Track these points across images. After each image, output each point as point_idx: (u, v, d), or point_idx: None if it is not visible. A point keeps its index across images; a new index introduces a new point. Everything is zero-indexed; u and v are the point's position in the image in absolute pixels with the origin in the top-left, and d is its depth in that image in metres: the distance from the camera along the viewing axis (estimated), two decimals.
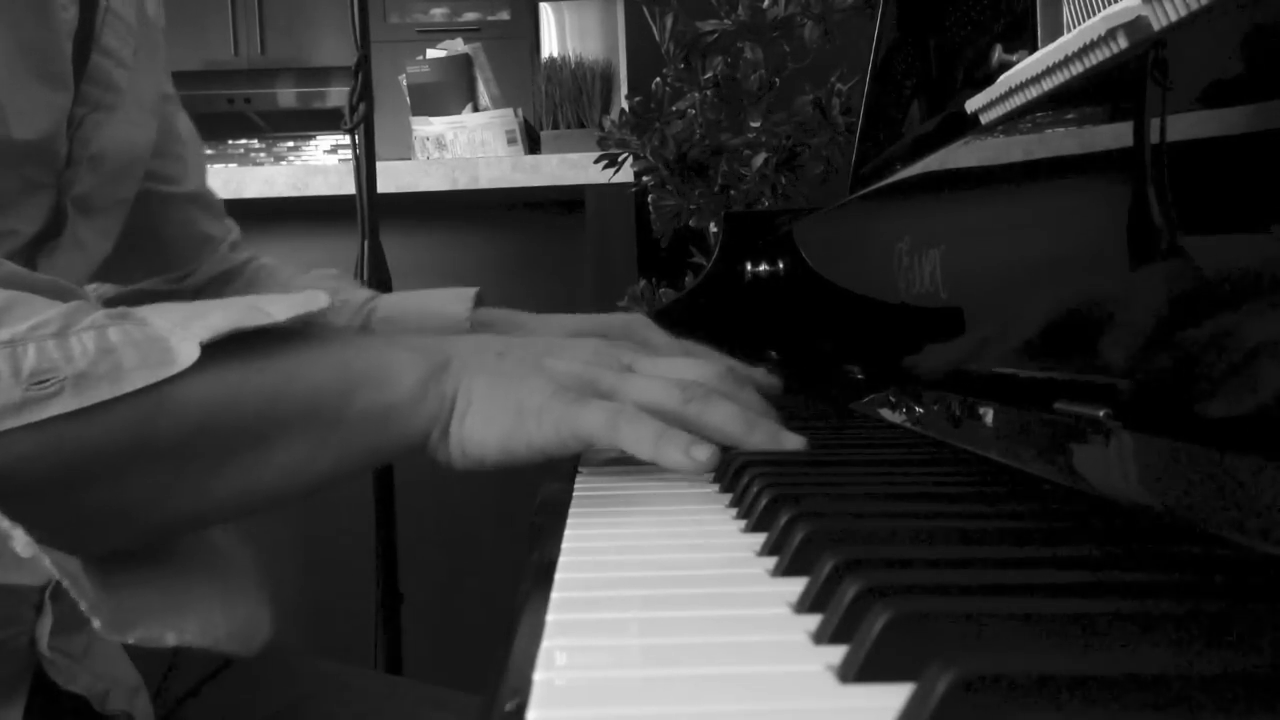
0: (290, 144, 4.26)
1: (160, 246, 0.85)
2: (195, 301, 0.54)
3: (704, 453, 0.51)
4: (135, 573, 0.55)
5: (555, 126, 2.04)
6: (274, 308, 0.53)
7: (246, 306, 0.53)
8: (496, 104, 2.03)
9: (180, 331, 0.49)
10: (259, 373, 0.52)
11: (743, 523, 0.43)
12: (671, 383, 0.56)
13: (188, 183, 0.85)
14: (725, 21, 1.29)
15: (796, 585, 0.32)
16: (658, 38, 1.34)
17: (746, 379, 0.62)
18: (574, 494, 0.51)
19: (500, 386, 0.55)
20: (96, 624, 0.48)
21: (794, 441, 0.55)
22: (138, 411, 0.48)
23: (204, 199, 0.89)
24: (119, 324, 0.49)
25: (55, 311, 0.48)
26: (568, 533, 0.42)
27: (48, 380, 0.46)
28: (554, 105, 2.03)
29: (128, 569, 0.55)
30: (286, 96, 3.75)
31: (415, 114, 2.02)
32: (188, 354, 0.49)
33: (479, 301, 0.87)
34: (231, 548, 0.67)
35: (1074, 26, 0.53)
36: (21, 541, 0.45)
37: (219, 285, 0.88)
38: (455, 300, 0.86)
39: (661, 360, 0.60)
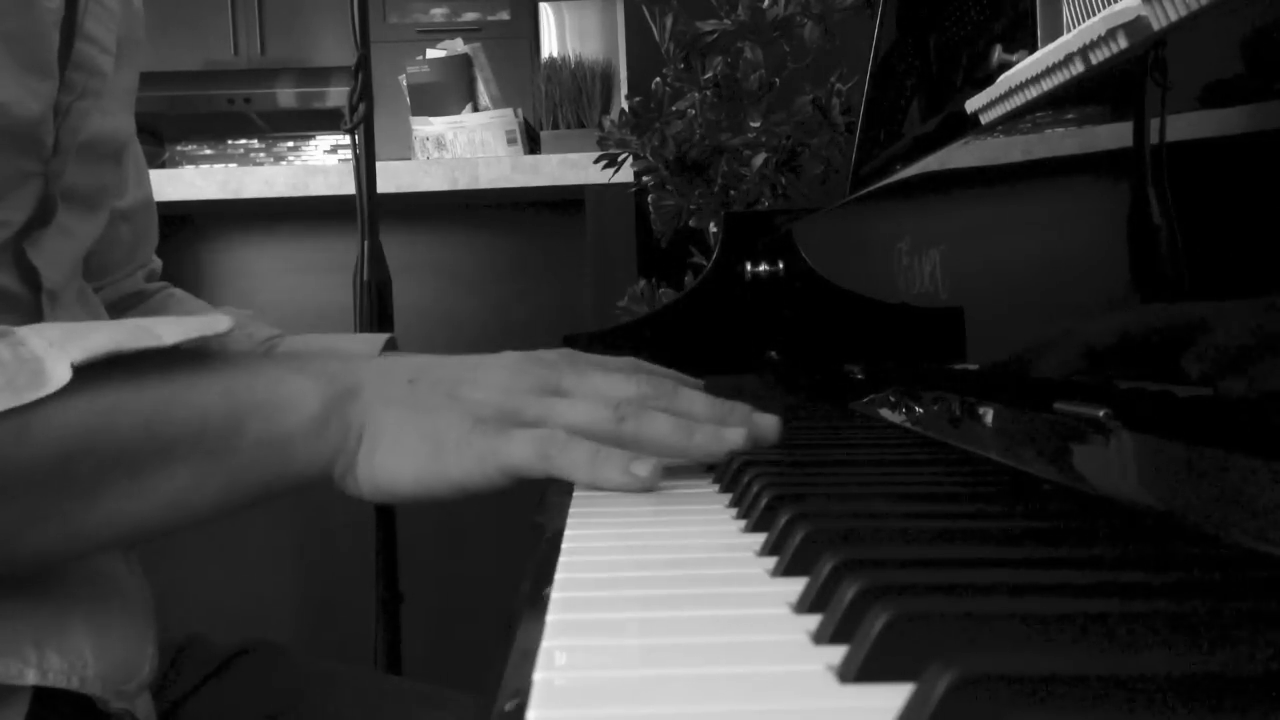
0: (290, 144, 4.25)
1: None
2: (85, 322, 0.51)
3: (644, 469, 0.49)
4: (5, 603, 0.53)
5: (555, 126, 2.04)
6: (164, 330, 0.51)
7: (134, 328, 0.50)
8: (496, 104, 2.03)
9: (56, 352, 0.47)
10: (136, 396, 0.49)
11: (743, 523, 0.43)
12: (601, 402, 0.53)
13: (126, 198, 0.82)
14: (725, 21, 1.29)
15: (796, 585, 0.32)
16: (658, 38, 1.34)
17: (678, 381, 0.59)
18: (574, 494, 0.51)
19: (413, 418, 0.52)
20: None
21: (735, 435, 0.53)
22: (2, 435, 0.45)
23: (139, 218, 0.85)
24: None
25: None
26: (568, 533, 0.42)
27: None
28: (554, 105, 2.03)
29: None
30: (286, 96, 3.75)
31: (415, 114, 2.02)
32: (59, 376, 0.46)
33: (390, 347, 0.83)
34: (120, 577, 0.63)
35: (1074, 26, 0.53)
36: None
37: (122, 309, 0.85)
38: (363, 344, 0.82)
39: (588, 376, 0.56)
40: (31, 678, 0.52)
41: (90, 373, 0.47)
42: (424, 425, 0.52)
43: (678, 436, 0.52)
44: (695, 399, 0.56)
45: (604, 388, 0.55)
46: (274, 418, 0.52)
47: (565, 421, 0.52)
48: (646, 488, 0.49)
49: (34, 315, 0.61)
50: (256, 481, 0.53)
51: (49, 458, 0.47)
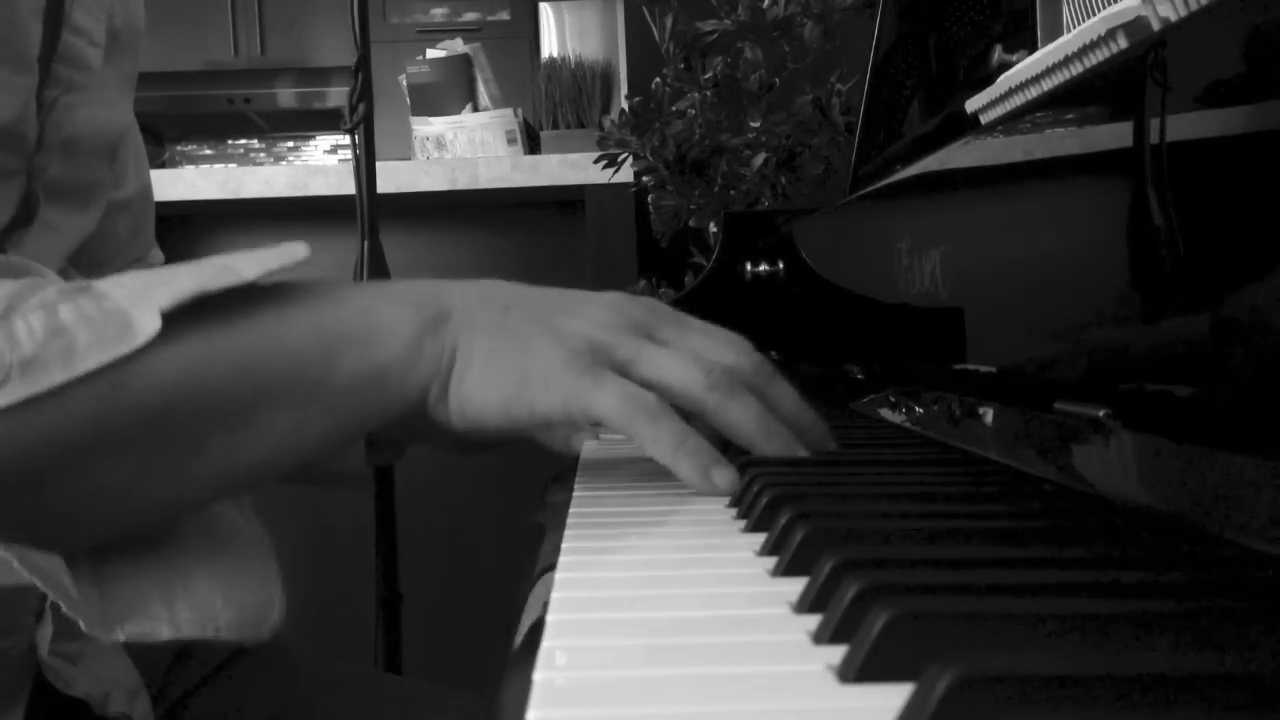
0: (290, 144, 4.26)
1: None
2: (161, 268, 0.49)
3: (725, 480, 0.47)
4: (129, 562, 0.52)
5: (555, 126, 2.04)
6: (244, 265, 0.49)
7: (215, 268, 0.49)
8: (496, 104, 2.03)
9: (141, 302, 0.45)
10: (229, 339, 0.48)
11: (743, 523, 0.43)
12: (695, 362, 0.51)
13: (126, 188, 0.80)
14: (725, 21, 1.29)
15: (796, 585, 0.32)
16: (658, 38, 1.34)
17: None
18: (574, 494, 0.51)
19: (505, 347, 0.51)
20: (82, 624, 0.46)
21: (805, 453, 0.52)
22: (96, 393, 0.44)
23: (137, 208, 0.83)
24: (71, 300, 0.45)
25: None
26: (567, 533, 0.42)
27: None
28: (554, 105, 2.03)
29: (120, 558, 0.51)
30: (286, 96, 3.75)
31: (415, 114, 2.02)
32: (149, 326, 0.45)
33: None
34: (237, 524, 0.62)
35: (1074, 26, 0.53)
36: None
37: None
38: None
39: (688, 332, 0.54)
40: (165, 633, 0.51)
41: (178, 320, 0.46)
42: (514, 355, 0.51)
43: (757, 431, 0.51)
44: (786, 393, 0.54)
45: (702, 348, 0.53)
46: (367, 349, 0.50)
47: (655, 371, 0.50)
48: (720, 494, 0.47)
49: None
50: (356, 415, 0.51)
51: (148, 411, 0.46)
